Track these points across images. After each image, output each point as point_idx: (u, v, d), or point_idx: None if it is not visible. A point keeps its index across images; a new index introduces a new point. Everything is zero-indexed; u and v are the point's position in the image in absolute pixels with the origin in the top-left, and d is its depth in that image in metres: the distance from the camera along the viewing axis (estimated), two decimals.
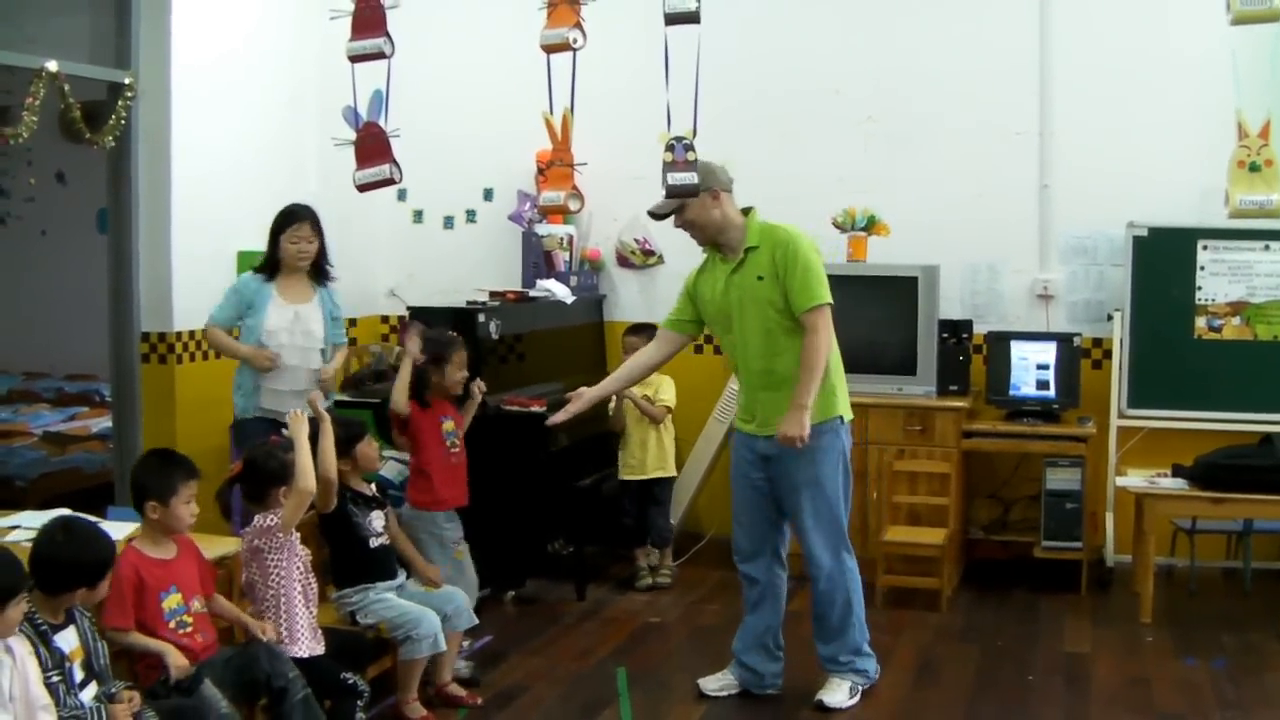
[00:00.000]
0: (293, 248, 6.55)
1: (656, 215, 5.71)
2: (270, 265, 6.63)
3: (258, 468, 5.08)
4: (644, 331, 7.57)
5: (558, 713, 5.69)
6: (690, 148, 5.29)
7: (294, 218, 6.61)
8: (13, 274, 10.34)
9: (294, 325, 6.57)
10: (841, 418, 5.66)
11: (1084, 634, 6.77)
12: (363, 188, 6.20)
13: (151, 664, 4.46)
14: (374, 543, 5.57)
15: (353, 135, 6.21)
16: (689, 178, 5.28)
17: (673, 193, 5.38)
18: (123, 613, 4.45)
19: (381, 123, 6.21)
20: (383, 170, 6.15)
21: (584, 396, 5.89)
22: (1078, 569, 7.42)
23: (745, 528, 5.82)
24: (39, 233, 10.67)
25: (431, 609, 5.49)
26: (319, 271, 6.70)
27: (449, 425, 6.16)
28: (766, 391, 5.61)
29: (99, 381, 9.81)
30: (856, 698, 5.72)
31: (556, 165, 5.92)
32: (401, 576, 5.69)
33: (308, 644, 4.97)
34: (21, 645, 3.93)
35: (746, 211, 5.70)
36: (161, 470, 4.67)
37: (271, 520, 4.97)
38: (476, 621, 5.84)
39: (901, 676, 6.12)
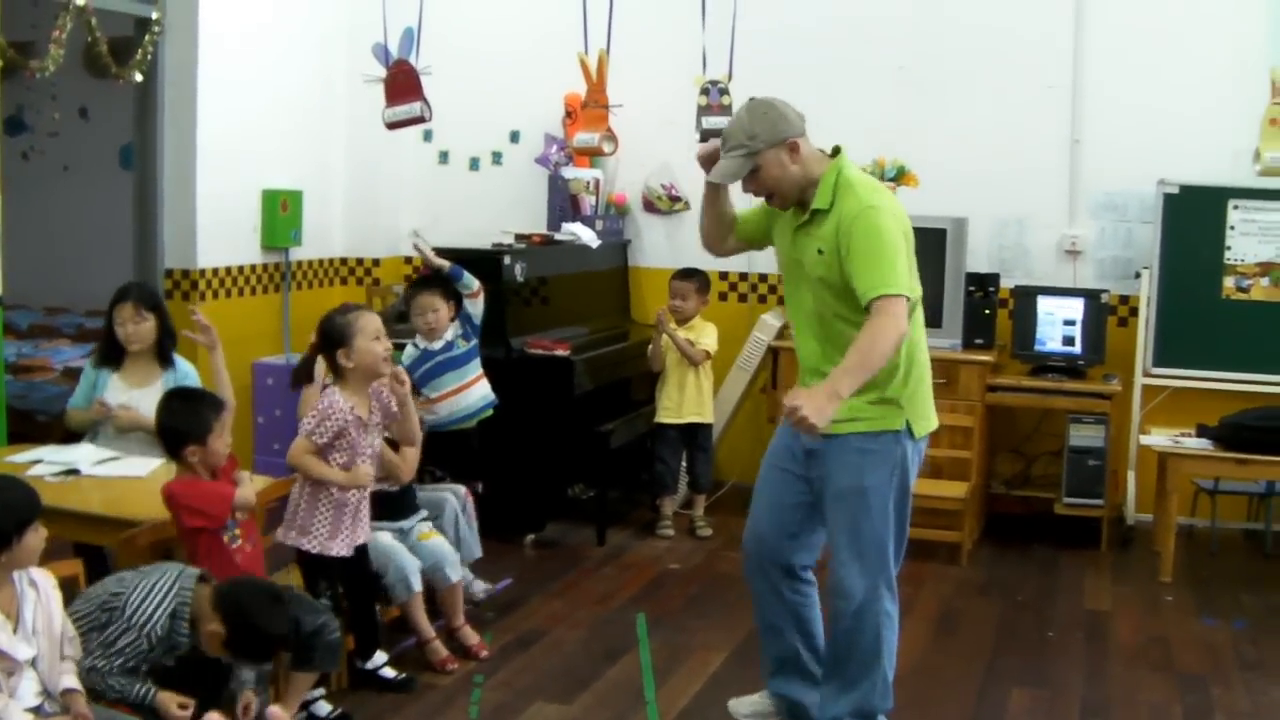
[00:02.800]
0: (119, 330, 5.57)
1: (721, 181, 4.51)
2: (108, 350, 5.66)
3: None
4: (693, 277, 7.58)
5: (578, 657, 5.69)
6: (725, 91, 5.25)
7: (118, 299, 5.61)
8: (34, 209, 10.28)
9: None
10: (911, 431, 4.42)
11: (1104, 591, 6.77)
12: (392, 125, 6.18)
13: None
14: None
15: (383, 72, 6.17)
16: (722, 123, 5.15)
17: (707, 136, 4.77)
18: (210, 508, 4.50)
19: (412, 60, 6.16)
20: (413, 108, 6.14)
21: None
22: (1098, 526, 7.42)
23: (759, 524, 4.69)
24: (61, 168, 10.63)
25: (421, 557, 5.50)
26: (162, 352, 5.64)
27: None
28: (818, 379, 4.32)
29: None
30: None
31: (591, 107, 5.87)
32: (413, 518, 5.66)
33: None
34: (46, 578, 3.92)
35: (836, 153, 4.47)
36: (193, 412, 4.65)
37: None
38: (458, 578, 5.68)
39: (922, 629, 6.11)
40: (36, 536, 3.81)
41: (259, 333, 8.17)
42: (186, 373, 5.63)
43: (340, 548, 4.98)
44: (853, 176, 4.38)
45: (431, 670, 5.41)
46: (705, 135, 5.16)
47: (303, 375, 5.25)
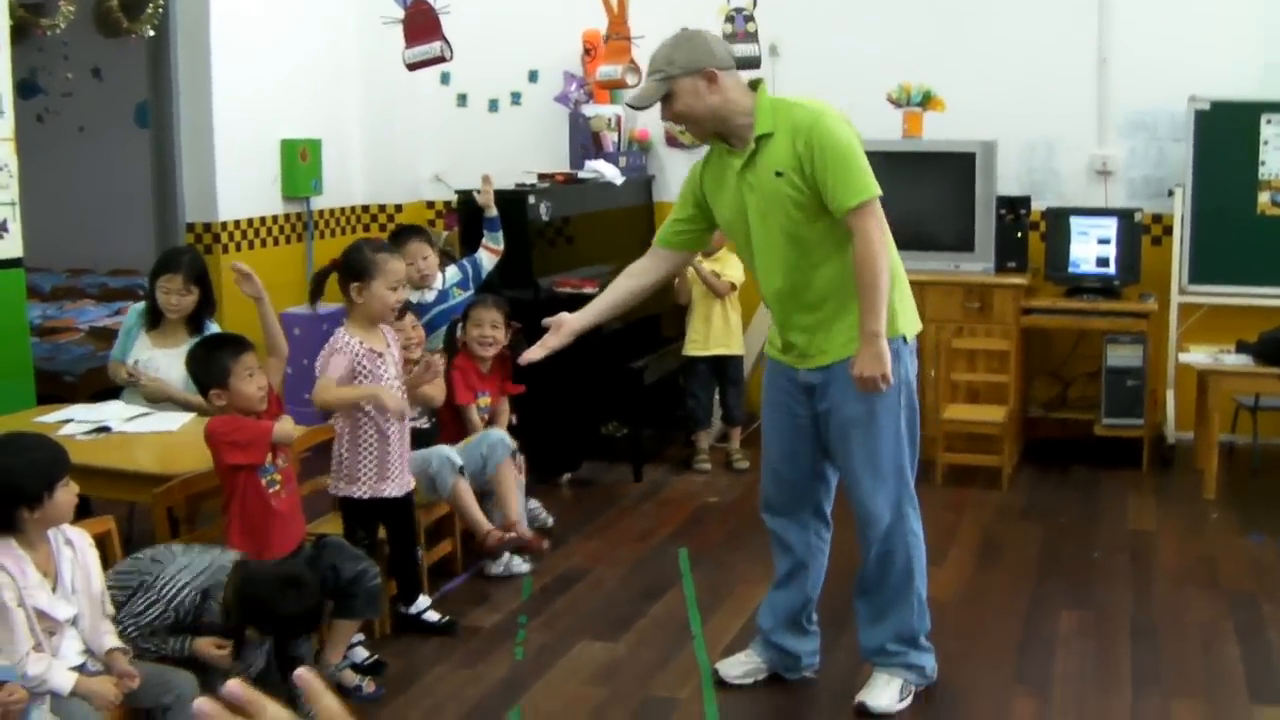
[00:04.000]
0: (162, 297, 5.54)
1: (636, 107, 4.45)
2: (152, 312, 5.63)
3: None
4: None
5: (620, 595, 5.66)
6: (750, 19, 5.14)
7: (166, 266, 5.57)
8: (52, 171, 10.24)
9: (146, 367, 5.61)
10: (903, 337, 4.40)
11: (1147, 512, 6.71)
12: (413, 66, 6.09)
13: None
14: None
15: (401, 13, 6.07)
16: (751, 50, 5.08)
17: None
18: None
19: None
20: (433, 48, 6.05)
21: (564, 327, 4.45)
22: (1138, 447, 7.35)
23: (779, 475, 4.65)
24: (77, 129, 10.58)
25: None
26: (197, 324, 5.62)
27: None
28: (803, 314, 4.38)
29: (141, 276, 9.77)
30: (908, 700, 4.55)
31: (613, 39, 5.76)
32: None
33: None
34: (82, 536, 3.88)
35: (755, 86, 4.38)
36: (211, 357, 4.59)
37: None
38: (513, 446, 5.80)
39: (965, 556, 6.07)
40: (68, 493, 3.75)
41: (283, 283, 8.08)
42: None
43: (392, 488, 4.97)
44: (786, 97, 4.38)
45: (473, 611, 5.39)
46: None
47: (316, 292, 5.19)
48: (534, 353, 4.45)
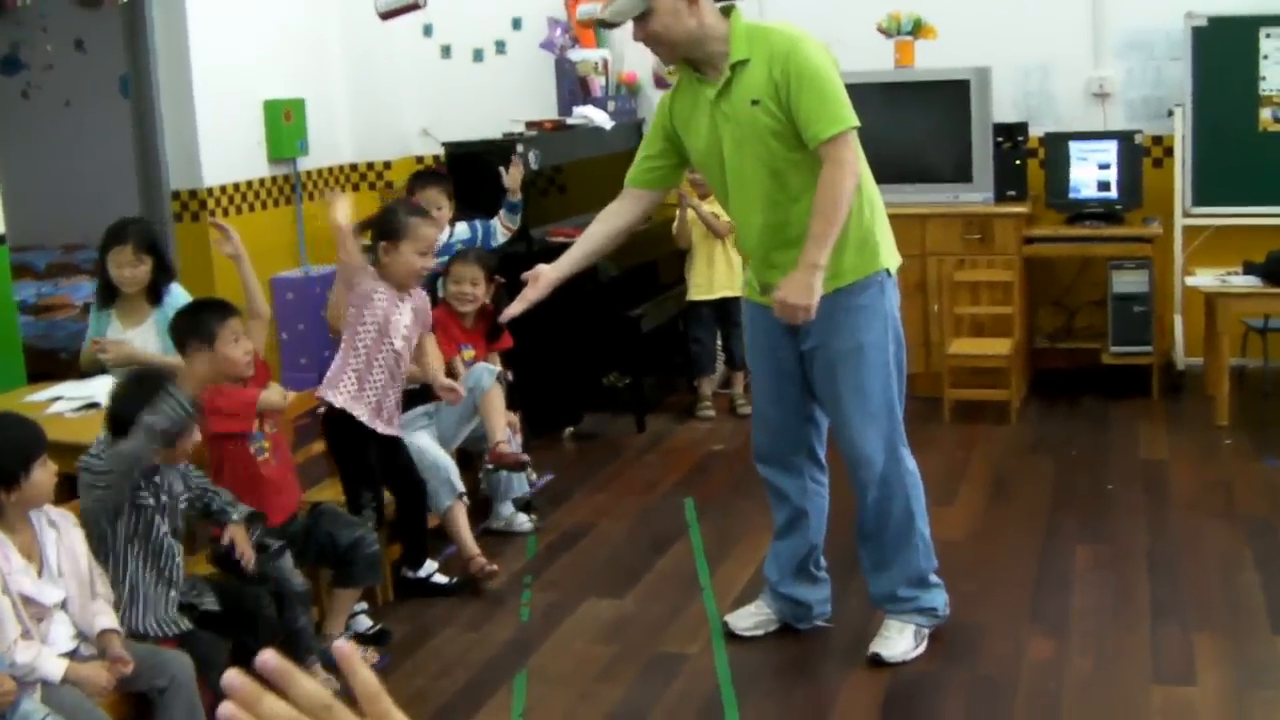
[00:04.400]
0: (115, 271, 5.29)
1: (608, 24, 4.31)
2: (104, 290, 5.41)
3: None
4: None
5: (626, 549, 5.57)
6: None
7: (113, 239, 5.33)
8: (40, 147, 10.15)
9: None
10: (886, 270, 4.27)
11: (1159, 440, 6.60)
12: (386, 15, 5.91)
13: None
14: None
15: None
16: None
17: None
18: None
19: None
20: None
21: (541, 280, 4.35)
22: (1148, 374, 7.23)
23: (768, 422, 4.53)
24: (63, 103, 10.43)
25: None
26: (157, 295, 5.36)
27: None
28: (781, 252, 4.21)
29: None
30: (923, 645, 4.43)
31: None
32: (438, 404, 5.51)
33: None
34: (65, 516, 3.77)
35: (727, 12, 4.20)
36: (194, 320, 4.48)
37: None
38: (498, 370, 5.72)
39: (976, 494, 5.98)
40: (46, 472, 3.65)
41: (274, 247, 7.99)
42: (175, 304, 5.26)
43: (363, 411, 4.83)
44: (761, 23, 4.23)
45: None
46: None
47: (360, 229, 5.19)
48: (514, 308, 4.36)
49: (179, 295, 5.38)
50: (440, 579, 5.15)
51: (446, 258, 6.02)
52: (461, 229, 6.28)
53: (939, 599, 4.51)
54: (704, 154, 4.28)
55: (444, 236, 6.16)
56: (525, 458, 5.47)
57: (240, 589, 4.23)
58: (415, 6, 5.83)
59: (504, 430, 5.49)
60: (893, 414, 4.32)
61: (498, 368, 5.75)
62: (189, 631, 3.97)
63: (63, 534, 3.71)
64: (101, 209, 10.16)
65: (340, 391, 4.84)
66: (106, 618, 3.73)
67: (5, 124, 10.26)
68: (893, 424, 4.33)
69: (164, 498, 4.01)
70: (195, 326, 4.46)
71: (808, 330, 4.23)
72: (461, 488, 5.36)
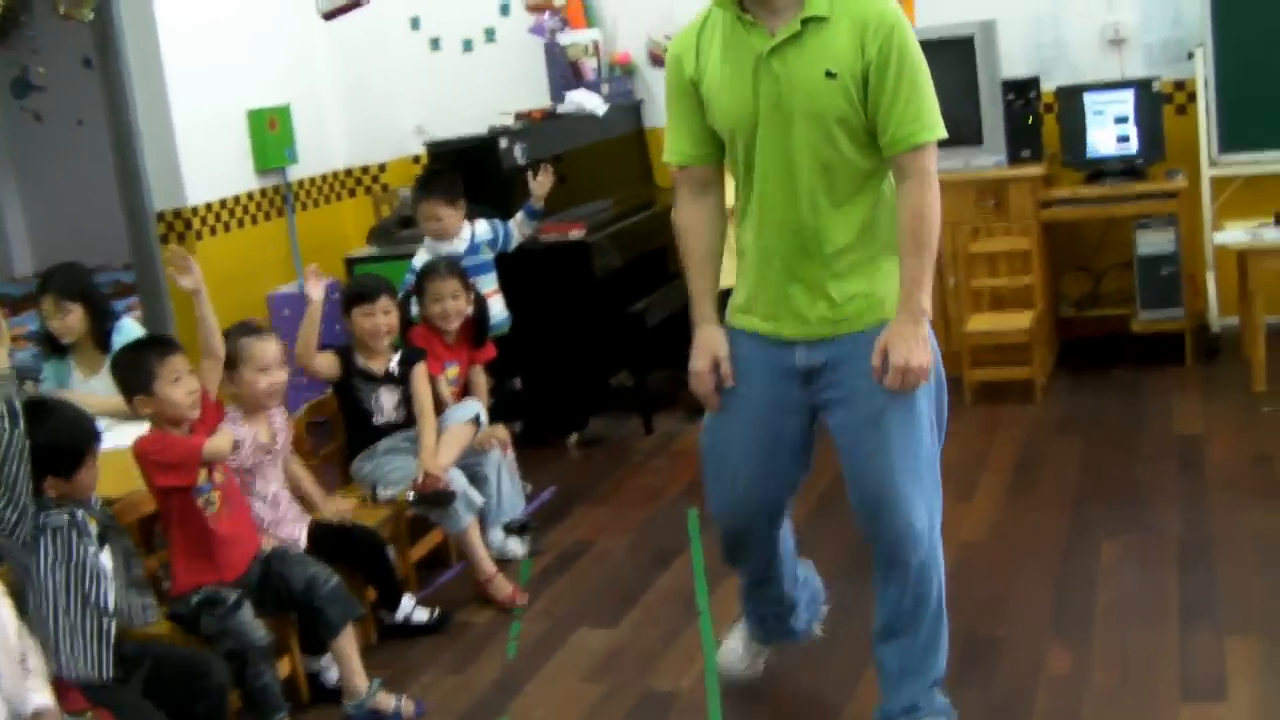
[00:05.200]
0: (47, 323, 5.22)
1: None
2: (48, 339, 5.30)
3: None
4: None
5: (625, 568, 5.29)
6: None
7: (40, 289, 5.29)
8: (57, 169, 10.03)
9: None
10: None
11: (1194, 412, 6.22)
12: (329, 15, 5.60)
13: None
14: (379, 419, 5.22)
15: None
16: None
17: None
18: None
19: None
20: None
21: (722, 351, 3.61)
22: (1180, 339, 6.84)
23: (745, 501, 3.67)
24: (75, 123, 10.24)
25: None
26: (100, 338, 5.24)
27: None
28: (810, 265, 3.42)
29: (118, 271, 9.50)
30: None
31: None
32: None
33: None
34: None
35: None
36: (133, 362, 4.20)
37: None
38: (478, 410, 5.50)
39: (996, 483, 5.64)
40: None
41: (267, 262, 7.72)
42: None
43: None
44: None
45: (466, 605, 5.05)
46: None
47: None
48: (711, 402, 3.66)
49: (129, 333, 5.14)
50: (420, 616, 4.88)
51: (475, 259, 6.06)
52: (483, 228, 6.20)
53: (945, 705, 3.71)
54: (730, 115, 3.42)
55: (465, 233, 6.10)
56: (453, 490, 5.10)
57: (191, 655, 3.98)
58: (357, 4, 5.52)
59: (446, 460, 5.18)
60: (935, 473, 3.52)
61: (482, 410, 5.50)
62: (119, 686, 3.73)
63: None
64: (118, 227, 10.04)
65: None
66: (40, 695, 3.46)
67: (12, 148, 10.23)
68: (935, 486, 3.52)
69: (79, 513, 3.78)
70: (133, 366, 4.20)
71: (837, 373, 3.46)
72: (480, 500, 5.18)
